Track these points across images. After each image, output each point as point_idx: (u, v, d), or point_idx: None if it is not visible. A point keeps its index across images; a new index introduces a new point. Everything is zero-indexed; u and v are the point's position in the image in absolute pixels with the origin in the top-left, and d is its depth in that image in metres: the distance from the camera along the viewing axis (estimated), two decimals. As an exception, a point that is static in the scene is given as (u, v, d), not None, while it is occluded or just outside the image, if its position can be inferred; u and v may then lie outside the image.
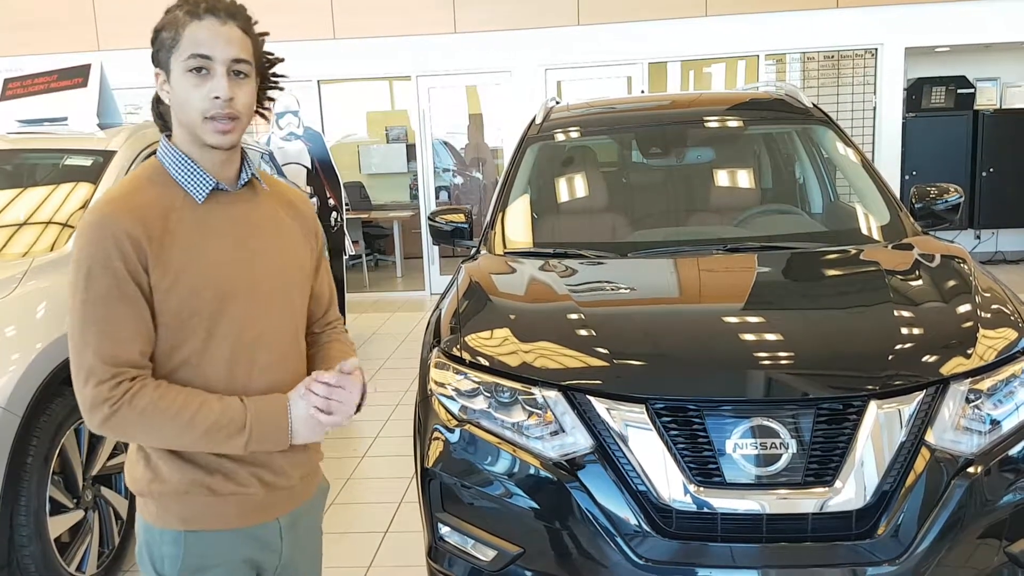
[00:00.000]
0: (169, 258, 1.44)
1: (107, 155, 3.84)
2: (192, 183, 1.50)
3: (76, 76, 4.64)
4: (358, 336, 7.21)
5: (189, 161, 1.50)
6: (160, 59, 1.47)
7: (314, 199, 6.54)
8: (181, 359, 1.48)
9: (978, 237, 9.19)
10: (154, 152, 1.56)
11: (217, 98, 1.43)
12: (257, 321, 1.53)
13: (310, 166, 6.90)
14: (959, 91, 8.80)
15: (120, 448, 3.28)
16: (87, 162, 3.84)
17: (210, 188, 1.51)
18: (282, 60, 1.63)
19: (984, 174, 8.82)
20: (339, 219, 6.83)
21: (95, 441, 3.18)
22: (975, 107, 8.82)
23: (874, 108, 8.62)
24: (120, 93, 4.82)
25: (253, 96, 1.51)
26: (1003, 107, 8.84)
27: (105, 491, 3.22)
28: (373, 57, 8.67)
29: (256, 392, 1.53)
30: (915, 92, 8.82)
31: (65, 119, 4.54)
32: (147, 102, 1.63)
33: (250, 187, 1.59)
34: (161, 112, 1.57)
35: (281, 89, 1.67)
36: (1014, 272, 8.54)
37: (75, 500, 3.06)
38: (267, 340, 1.55)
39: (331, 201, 6.79)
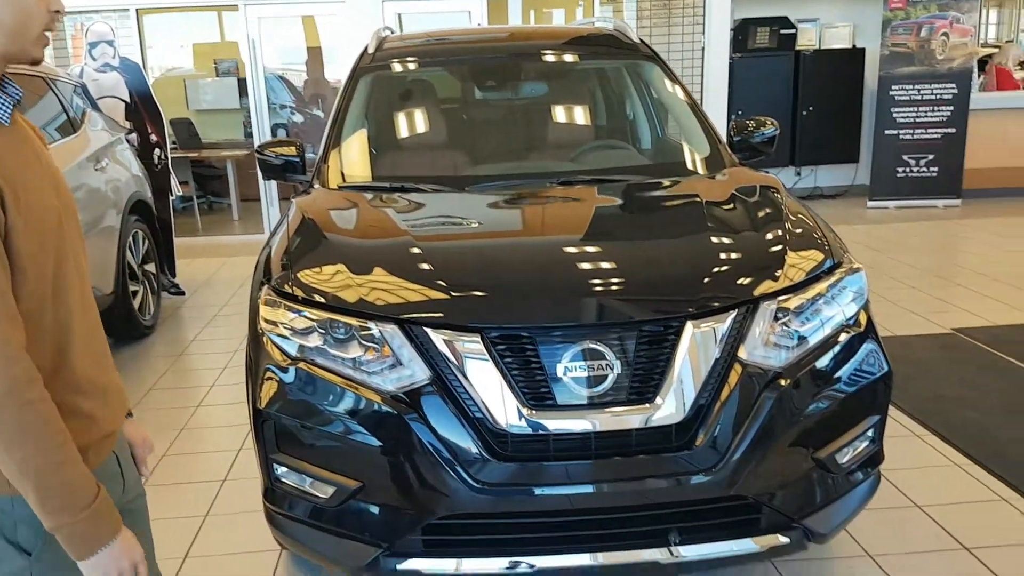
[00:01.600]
0: (16, 193, 1.32)
1: None
2: None
3: None
4: (191, 282, 6.89)
5: None
6: None
7: (134, 135, 6.12)
8: (39, 303, 1.37)
9: (798, 174, 9.75)
10: None
11: (57, 12, 1.40)
12: (77, 250, 1.47)
13: (128, 100, 6.43)
14: (782, 32, 9.22)
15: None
16: None
17: (12, 105, 1.39)
18: None
19: (804, 113, 9.33)
20: (163, 156, 6.43)
21: None
22: (796, 47, 9.28)
23: (703, 48, 8.93)
24: None
25: None
26: (822, 47, 9.34)
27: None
28: (196, -16, 8.13)
29: (93, 317, 1.51)
30: (741, 33, 9.19)
31: None
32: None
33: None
34: None
35: None
36: (831, 207, 9.15)
37: None
38: (82, 266, 1.51)
39: (153, 137, 6.37)
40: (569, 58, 3.92)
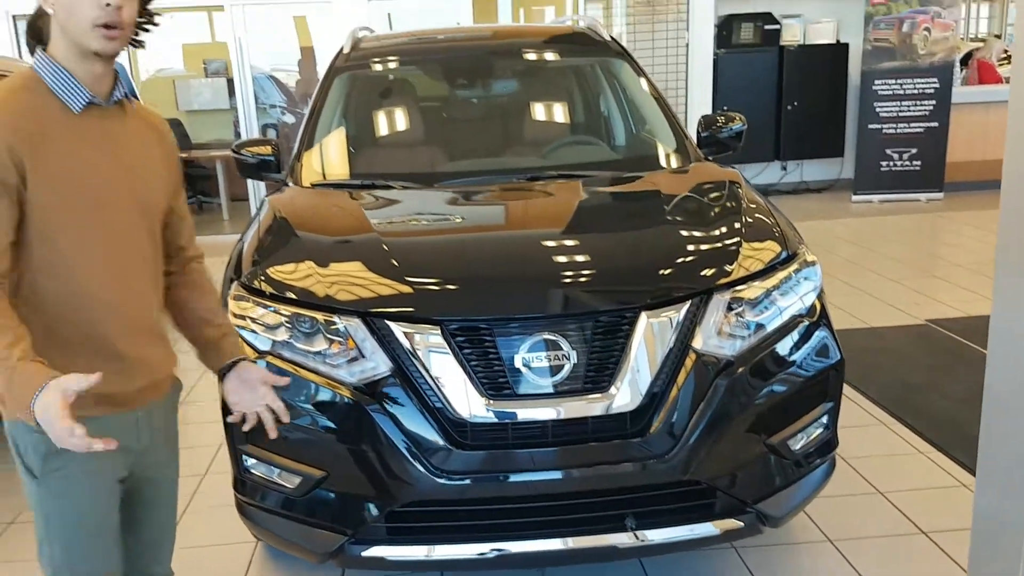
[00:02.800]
0: (45, 163, 1.54)
1: None
2: (69, 94, 1.60)
3: None
4: (180, 280, 6.94)
5: (66, 73, 1.59)
6: None
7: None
8: (61, 262, 1.59)
9: (784, 168, 9.80)
10: None
11: (108, 5, 1.53)
12: (127, 231, 1.67)
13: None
14: (766, 27, 9.25)
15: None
16: None
17: (86, 100, 1.60)
18: None
19: (789, 108, 9.38)
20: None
21: None
22: (781, 43, 9.32)
23: (687, 44, 8.99)
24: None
25: (135, 12, 1.62)
26: (806, 43, 9.37)
27: None
28: (183, -15, 8.20)
29: (132, 294, 1.69)
30: (725, 28, 9.23)
31: None
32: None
33: (120, 106, 1.70)
34: (40, 26, 1.65)
35: (157, 25, 1.77)
36: (817, 201, 9.21)
37: None
38: (135, 247, 1.70)
39: (140, 139, 6.42)
40: (539, 56, 3.99)
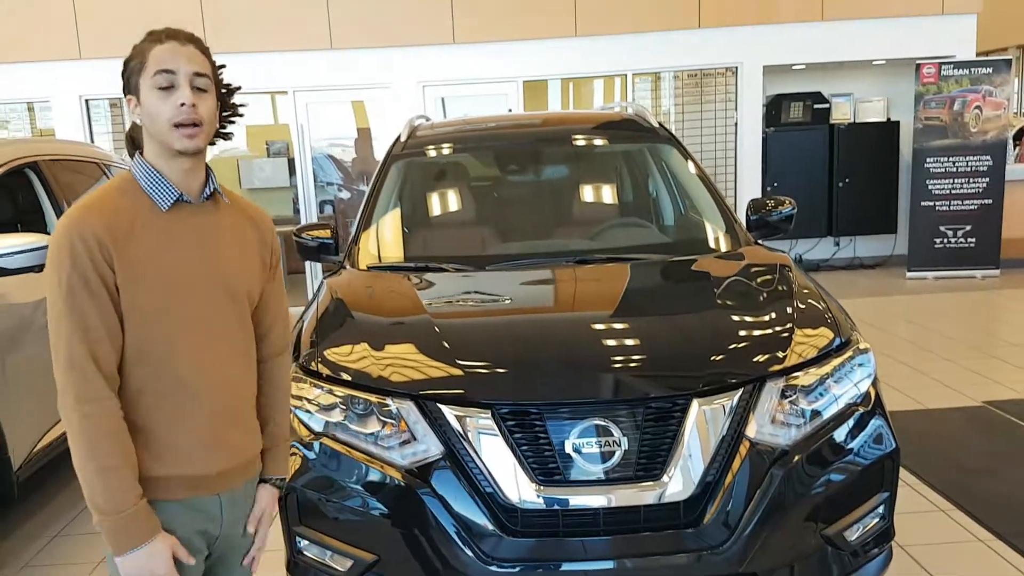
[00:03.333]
0: (132, 258, 1.61)
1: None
2: (158, 193, 1.68)
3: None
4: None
5: (157, 173, 1.68)
6: (131, 85, 1.67)
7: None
8: (150, 350, 1.65)
9: (837, 244, 9.76)
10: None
11: (183, 105, 1.62)
12: (215, 321, 1.73)
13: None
14: (815, 106, 9.34)
15: None
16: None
17: (174, 198, 1.69)
18: (239, 88, 1.86)
19: (840, 185, 9.37)
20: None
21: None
22: (831, 121, 9.37)
23: (736, 123, 9.09)
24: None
25: (214, 109, 1.71)
26: (856, 121, 9.42)
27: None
28: (248, 71, 8.58)
29: (219, 381, 1.73)
30: (774, 107, 9.33)
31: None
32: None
33: (212, 200, 1.77)
34: (133, 136, 1.77)
35: (241, 116, 1.88)
36: (871, 277, 9.11)
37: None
38: (224, 337, 1.75)
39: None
40: (588, 143, 4.08)
